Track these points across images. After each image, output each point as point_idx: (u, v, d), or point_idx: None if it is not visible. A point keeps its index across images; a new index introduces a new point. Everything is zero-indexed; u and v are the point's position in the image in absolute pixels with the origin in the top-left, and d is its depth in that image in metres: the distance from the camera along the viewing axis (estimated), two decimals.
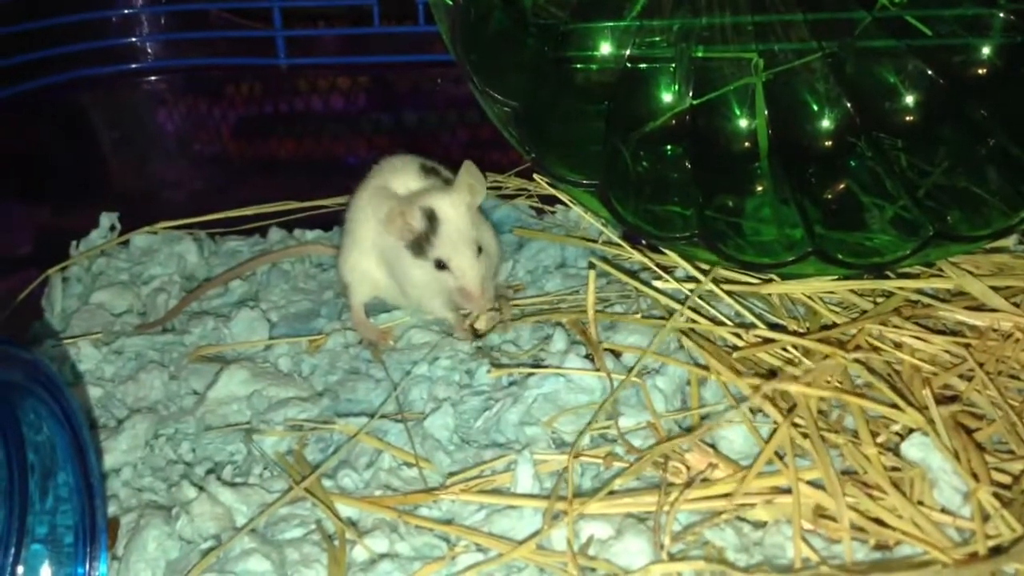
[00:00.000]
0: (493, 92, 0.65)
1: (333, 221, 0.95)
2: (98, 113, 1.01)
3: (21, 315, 0.83)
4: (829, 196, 0.75)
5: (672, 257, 0.74)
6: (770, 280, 0.73)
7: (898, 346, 0.66)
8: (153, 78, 1.00)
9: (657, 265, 0.74)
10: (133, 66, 1.00)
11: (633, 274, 0.76)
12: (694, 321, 0.68)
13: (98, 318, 0.82)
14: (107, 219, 0.94)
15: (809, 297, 0.72)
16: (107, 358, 0.77)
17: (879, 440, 0.57)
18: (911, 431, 0.56)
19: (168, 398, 0.73)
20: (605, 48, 0.78)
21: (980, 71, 0.74)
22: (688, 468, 0.56)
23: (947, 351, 0.65)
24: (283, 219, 0.96)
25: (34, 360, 0.44)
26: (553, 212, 0.93)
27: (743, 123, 0.79)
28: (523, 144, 0.67)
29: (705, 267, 0.73)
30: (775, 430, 0.56)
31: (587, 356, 0.67)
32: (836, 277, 0.72)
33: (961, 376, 0.63)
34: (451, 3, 0.63)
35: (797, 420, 0.57)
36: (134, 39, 0.97)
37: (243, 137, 1.07)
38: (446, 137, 1.14)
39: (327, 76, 1.09)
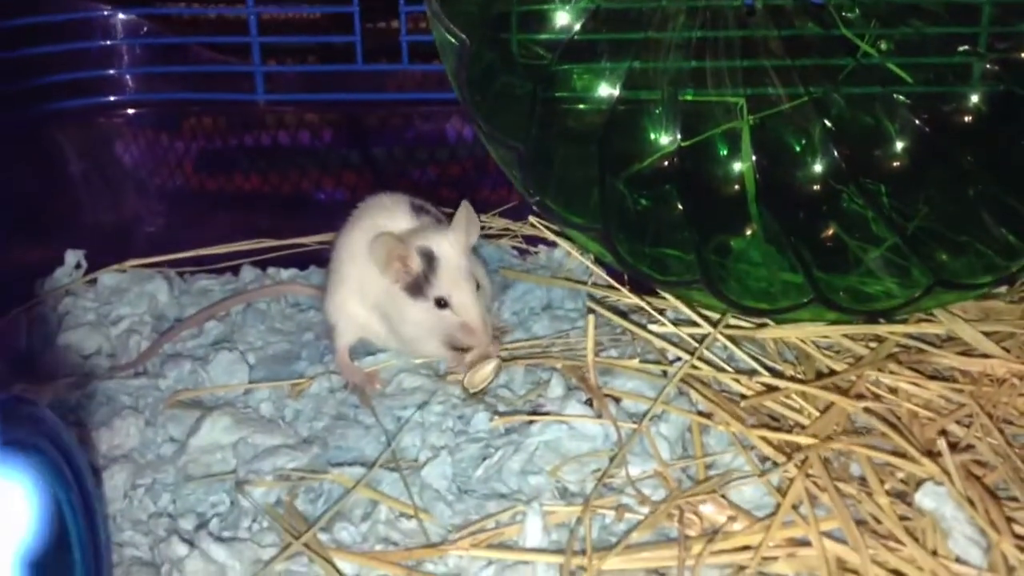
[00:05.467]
0: (497, 133, 0.64)
1: (309, 260, 0.93)
2: (65, 146, 0.97)
3: None
4: (821, 238, 0.75)
5: (668, 300, 0.73)
6: (764, 324, 0.72)
7: (893, 391, 0.66)
8: (130, 111, 0.97)
9: (650, 307, 0.73)
10: (103, 99, 0.97)
11: (625, 315, 0.75)
12: (695, 367, 0.67)
13: (66, 360, 0.79)
14: (73, 256, 0.90)
15: (802, 341, 0.72)
16: (79, 403, 0.73)
17: (886, 488, 0.57)
18: (921, 480, 0.56)
19: (144, 446, 0.69)
20: (595, 89, 0.78)
21: (968, 118, 0.75)
22: (701, 519, 0.55)
23: (943, 396, 0.66)
24: (257, 258, 0.94)
25: (48, 418, 0.41)
26: (536, 252, 0.92)
27: (733, 166, 0.79)
28: (527, 187, 0.66)
29: (706, 312, 0.73)
30: (791, 481, 0.55)
31: (586, 402, 0.66)
32: (828, 322, 0.72)
33: (959, 422, 0.63)
34: (456, 43, 0.62)
35: (808, 469, 0.56)
36: (111, 71, 0.94)
37: (212, 172, 1.05)
38: (416, 174, 1.13)
39: (297, 112, 1.07)
